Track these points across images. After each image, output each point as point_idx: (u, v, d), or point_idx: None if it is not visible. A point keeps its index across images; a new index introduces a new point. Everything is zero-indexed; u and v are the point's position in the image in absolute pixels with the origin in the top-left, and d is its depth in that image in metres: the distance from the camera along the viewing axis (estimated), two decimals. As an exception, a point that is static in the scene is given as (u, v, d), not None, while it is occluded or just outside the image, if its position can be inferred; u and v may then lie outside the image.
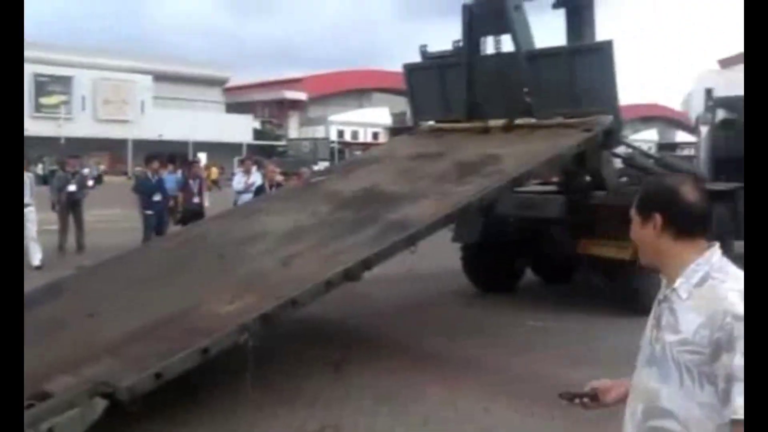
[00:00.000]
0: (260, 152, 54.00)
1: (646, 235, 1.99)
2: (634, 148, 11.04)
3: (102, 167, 48.94)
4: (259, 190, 11.22)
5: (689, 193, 1.94)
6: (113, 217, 18.65)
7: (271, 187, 11.14)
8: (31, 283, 5.40)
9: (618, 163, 9.76)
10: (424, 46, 9.66)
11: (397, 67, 10.58)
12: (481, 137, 9.00)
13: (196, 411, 5.07)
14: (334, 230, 6.64)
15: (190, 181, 12.53)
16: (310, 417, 5.10)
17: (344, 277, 5.68)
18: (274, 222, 7.18)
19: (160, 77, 61.55)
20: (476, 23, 8.93)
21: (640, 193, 2.05)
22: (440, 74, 9.52)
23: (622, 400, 2.07)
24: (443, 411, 5.22)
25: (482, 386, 5.72)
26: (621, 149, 9.83)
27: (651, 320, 2.00)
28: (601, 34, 9.21)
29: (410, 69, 9.97)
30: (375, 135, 68.61)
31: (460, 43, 9.10)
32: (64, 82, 55.16)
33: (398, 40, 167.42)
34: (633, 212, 2.04)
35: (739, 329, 1.72)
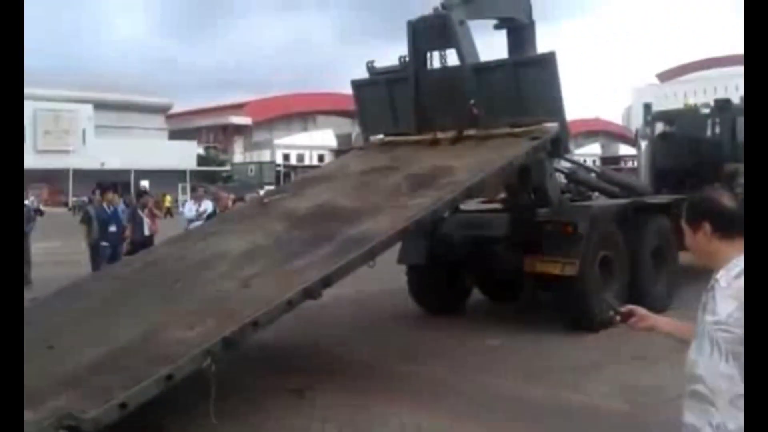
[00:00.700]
0: (205, 178, 53.49)
1: (699, 241, 2.41)
2: (575, 163, 11.33)
3: (37, 199, 47.67)
4: (210, 218, 11.12)
5: (727, 201, 2.36)
6: (56, 250, 18.12)
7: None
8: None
9: (561, 179, 9.95)
10: (372, 61, 9.75)
11: (341, 90, 10.69)
12: (431, 149, 9.08)
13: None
14: (291, 249, 6.58)
15: (139, 212, 12.32)
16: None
17: (304, 295, 5.63)
18: (229, 244, 7.09)
19: (101, 106, 60.69)
20: (421, 38, 9.04)
21: (687, 208, 2.47)
22: (388, 89, 9.60)
23: (648, 331, 2.63)
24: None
25: (446, 406, 5.76)
26: (564, 164, 10.09)
27: (700, 305, 2.39)
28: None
29: (358, 85, 10.04)
30: (320, 157, 68.88)
31: (407, 59, 9.21)
32: (3, 114, 53.70)
33: (340, 62, 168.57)
34: (684, 224, 2.46)
35: None
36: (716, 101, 12.76)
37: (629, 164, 45.69)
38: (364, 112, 10.14)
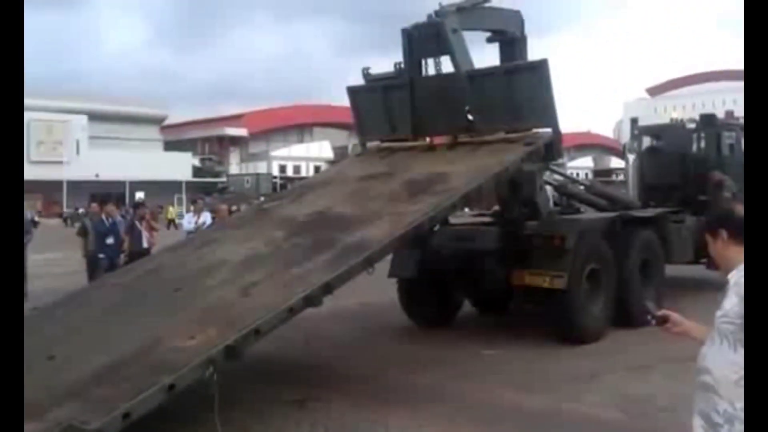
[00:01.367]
0: (200, 189, 53.39)
1: (718, 248, 2.71)
2: (564, 175, 11.40)
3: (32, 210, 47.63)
4: None
5: (741, 211, 2.61)
6: (53, 262, 18.09)
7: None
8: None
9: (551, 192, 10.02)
10: (367, 68, 9.80)
11: (337, 102, 10.76)
12: (428, 155, 9.15)
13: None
14: (291, 256, 6.60)
15: (137, 223, 12.31)
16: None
17: (305, 303, 5.64)
18: (229, 251, 7.09)
19: (95, 116, 60.42)
20: (416, 45, 9.12)
21: (707, 220, 2.82)
22: (384, 95, 9.66)
23: (683, 336, 2.82)
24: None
25: (445, 414, 5.80)
26: (555, 177, 10.15)
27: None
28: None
29: (354, 91, 10.09)
30: (317, 169, 68.91)
31: (402, 65, 9.28)
32: (-5, 124, 53.47)
33: (336, 75, 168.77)
34: (707, 235, 2.77)
35: None
36: (701, 116, 12.96)
37: (620, 177, 46.14)
38: (360, 118, 10.18)
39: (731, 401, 2.43)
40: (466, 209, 11.39)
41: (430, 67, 9.33)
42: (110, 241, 11.78)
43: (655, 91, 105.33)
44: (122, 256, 11.87)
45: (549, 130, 8.59)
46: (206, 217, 12.10)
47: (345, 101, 10.51)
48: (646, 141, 13.03)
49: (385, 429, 5.48)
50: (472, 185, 7.68)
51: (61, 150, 56.41)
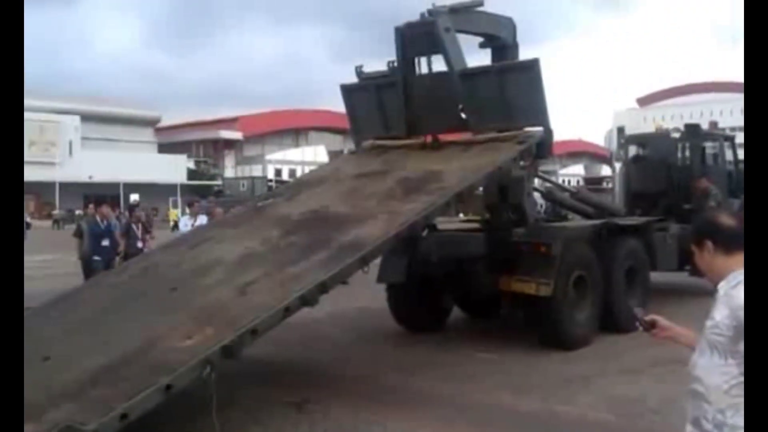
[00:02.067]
0: (195, 192, 53.18)
1: (705, 259, 2.64)
2: (551, 182, 11.48)
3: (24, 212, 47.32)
4: None
5: (726, 220, 2.62)
6: (48, 264, 18.06)
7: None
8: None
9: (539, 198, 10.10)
10: (360, 66, 9.83)
11: (332, 107, 10.75)
12: (421, 153, 9.17)
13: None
14: (286, 255, 6.61)
15: (132, 226, 12.35)
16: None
17: (301, 302, 5.66)
18: (225, 250, 7.09)
19: (88, 117, 59.91)
20: (409, 44, 9.14)
21: (692, 230, 2.75)
22: (377, 93, 9.67)
23: (670, 340, 2.84)
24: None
25: (440, 416, 5.86)
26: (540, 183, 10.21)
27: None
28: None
29: (348, 89, 10.08)
30: (312, 173, 68.69)
31: (395, 64, 9.31)
32: (-14, 124, 52.95)
33: (331, 80, 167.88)
34: (693, 246, 2.69)
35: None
36: (686, 126, 13.15)
37: (610, 185, 46.66)
38: (354, 116, 10.19)
39: (721, 409, 2.45)
40: (461, 215, 11.43)
41: (423, 66, 9.39)
42: (105, 243, 11.81)
43: (645, 101, 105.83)
44: (118, 258, 11.90)
45: (540, 129, 8.64)
46: (202, 220, 12.20)
47: (340, 106, 10.49)
48: (633, 150, 13.16)
49: (383, 430, 5.53)
50: (465, 183, 7.72)
51: (53, 151, 55.70)
